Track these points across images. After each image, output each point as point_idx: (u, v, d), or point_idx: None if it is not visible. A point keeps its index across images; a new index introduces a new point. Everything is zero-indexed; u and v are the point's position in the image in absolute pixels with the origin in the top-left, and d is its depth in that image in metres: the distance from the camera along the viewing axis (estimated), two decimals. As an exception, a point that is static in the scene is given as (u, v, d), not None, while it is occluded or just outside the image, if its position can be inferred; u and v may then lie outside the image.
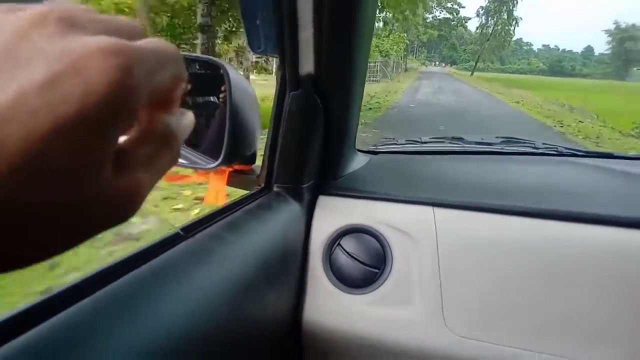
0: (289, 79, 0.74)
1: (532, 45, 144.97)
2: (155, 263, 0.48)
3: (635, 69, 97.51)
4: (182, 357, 0.43)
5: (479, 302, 0.72)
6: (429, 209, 0.78)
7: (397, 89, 17.56)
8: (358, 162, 0.99)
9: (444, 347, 0.72)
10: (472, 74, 50.87)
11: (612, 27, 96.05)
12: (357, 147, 1.02)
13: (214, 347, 0.48)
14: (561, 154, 1.10)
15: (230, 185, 0.81)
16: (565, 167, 1.02)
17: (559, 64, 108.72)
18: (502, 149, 1.14)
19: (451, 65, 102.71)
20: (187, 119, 0.23)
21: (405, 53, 43.44)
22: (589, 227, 0.71)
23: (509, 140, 1.20)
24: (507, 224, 0.74)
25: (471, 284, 0.73)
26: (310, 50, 0.71)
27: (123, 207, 0.19)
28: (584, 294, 0.68)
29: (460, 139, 1.21)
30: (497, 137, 1.21)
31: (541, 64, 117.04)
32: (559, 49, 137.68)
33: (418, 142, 1.22)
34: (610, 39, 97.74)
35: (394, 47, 36.48)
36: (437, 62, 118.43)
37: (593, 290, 0.68)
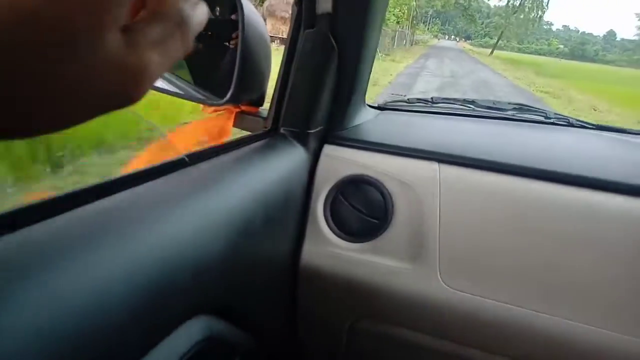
0: (305, 16, 0.76)
1: (552, 24, 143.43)
2: (154, 185, 0.50)
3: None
4: (169, 287, 0.43)
5: (475, 258, 0.77)
6: (434, 164, 0.83)
7: (383, 77, 11.05)
8: (366, 115, 1.03)
9: (436, 298, 0.78)
10: (492, 52, 46.70)
11: None
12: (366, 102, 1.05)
13: (205, 279, 0.50)
14: (572, 125, 1.15)
15: (237, 127, 0.84)
16: (576, 135, 1.07)
17: (581, 47, 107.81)
18: (513, 115, 1.18)
19: (465, 40, 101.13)
20: (200, 10, 0.24)
21: (412, 21, 37.65)
22: (594, 192, 0.75)
23: (521, 108, 1.24)
24: (510, 184, 0.79)
25: (469, 240, 0.78)
26: None
27: (130, 84, 0.20)
28: (585, 258, 0.73)
29: (473, 102, 1.25)
30: (509, 103, 1.25)
31: (561, 46, 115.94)
32: (578, 31, 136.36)
33: (429, 102, 1.26)
34: None
35: (396, 10, 30.41)
36: (451, 36, 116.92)
37: (594, 255, 0.73)
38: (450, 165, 0.82)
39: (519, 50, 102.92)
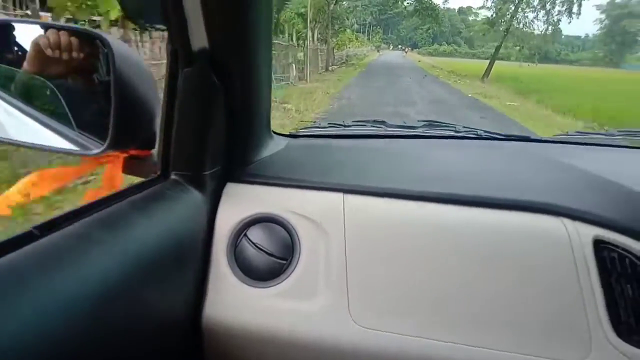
0: (181, 53, 0.84)
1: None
2: None
3: (628, 54, 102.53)
4: None
5: (385, 292, 0.88)
6: (338, 195, 0.94)
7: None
8: (274, 146, 1.15)
9: (349, 339, 0.87)
10: (486, 75, 30.24)
11: (604, 1, 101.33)
12: (274, 131, 1.18)
13: None
14: (480, 138, 1.37)
15: (127, 173, 0.91)
16: (484, 149, 1.27)
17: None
18: (423, 132, 1.39)
19: (412, 49, 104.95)
20: None
21: (328, 30, 28.84)
22: (498, 212, 0.90)
23: (430, 124, 1.46)
24: (414, 210, 0.92)
25: (378, 273, 0.88)
26: (200, 20, 0.79)
27: None
28: (496, 281, 0.86)
29: (383, 123, 1.46)
30: (419, 121, 1.48)
31: (517, 48, 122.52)
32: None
33: (340, 125, 1.44)
34: (603, 16, 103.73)
35: (299, 26, 24.14)
36: (397, 45, 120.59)
37: (505, 278, 0.86)
38: (354, 195, 0.94)
39: (473, 56, 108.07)
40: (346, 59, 40.83)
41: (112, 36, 0.83)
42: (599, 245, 0.85)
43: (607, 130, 1.60)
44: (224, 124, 0.92)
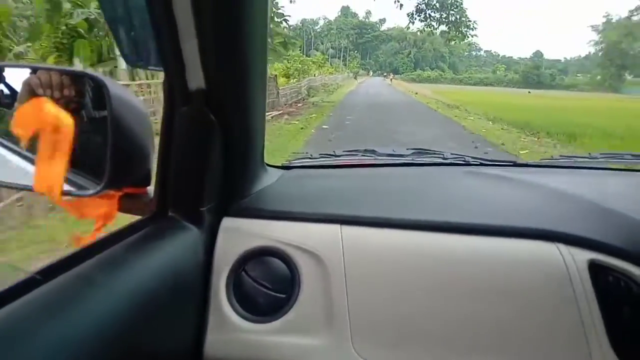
0: (177, 93, 0.93)
1: (481, 49, 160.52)
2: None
3: (629, 77, 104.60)
4: None
5: (387, 324, 0.97)
6: (336, 227, 1.05)
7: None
8: (268, 178, 1.27)
9: None
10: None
11: (601, 21, 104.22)
12: (267, 163, 1.29)
13: None
14: (468, 164, 1.56)
15: (123, 212, 1.00)
16: (470, 178, 1.43)
17: (535, 72, 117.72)
18: (413, 160, 1.58)
19: (394, 75, 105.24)
20: None
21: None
22: (493, 239, 1.02)
23: (419, 152, 1.66)
24: (410, 239, 1.03)
25: (379, 305, 0.98)
26: (197, 60, 0.87)
27: None
28: (496, 309, 0.96)
29: (373, 152, 1.65)
30: (407, 149, 1.68)
31: (511, 73, 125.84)
32: (499, 55, 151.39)
33: (332, 155, 1.61)
34: (599, 37, 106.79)
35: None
36: (376, 71, 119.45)
37: (505, 305, 0.96)
38: (351, 226, 1.05)
39: (459, 82, 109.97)
40: (307, 94, 26.85)
41: (108, 77, 0.92)
42: (595, 269, 0.96)
43: (591, 154, 1.77)
44: (220, 160, 1.02)
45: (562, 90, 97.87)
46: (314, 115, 18.21)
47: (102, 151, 0.89)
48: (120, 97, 0.88)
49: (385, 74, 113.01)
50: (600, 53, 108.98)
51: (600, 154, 1.77)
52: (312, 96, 27.43)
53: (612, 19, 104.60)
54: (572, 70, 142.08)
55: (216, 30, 0.85)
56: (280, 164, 1.50)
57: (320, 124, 15.47)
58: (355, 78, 79.99)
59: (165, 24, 0.83)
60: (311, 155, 1.67)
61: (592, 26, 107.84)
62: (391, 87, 55.58)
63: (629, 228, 1.01)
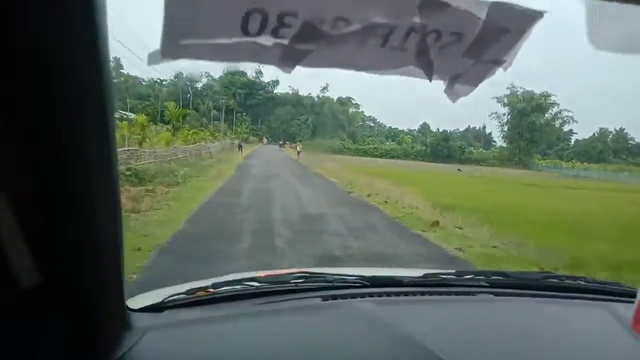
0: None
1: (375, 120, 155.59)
2: None
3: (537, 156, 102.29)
4: None
5: None
6: None
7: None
8: (132, 335, 1.17)
9: None
10: None
11: (505, 93, 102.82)
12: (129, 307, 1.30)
13: None
14: (352, 286, 1.73)
15: None
16: (345, 307, 1.59)
17: (445, 145, 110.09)
18: (296, 285, 1.71)
19: (292, 143, 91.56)
20: None
21: None
22: None
23: (303, 276, 1.76)
24: None
25: None
26: None
27: None
28: None
29: (254, 279, 1.71)
30: (290, 274, 1.80)
31: (418, 145, 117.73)
32: (386, 126, 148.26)
33: (210, 288, 1.63)
34: (506, 110, 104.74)
35: None
36: (268, 138, 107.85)
37: None
38: None
39: (364, 153, 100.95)
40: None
41: None
42: None
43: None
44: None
45: (474, 164, 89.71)
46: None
47: None
48: None
49: (281, 142, 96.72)
50: (506, 126, 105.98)
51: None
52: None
53: (517, 91, 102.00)
54: (476, 143, 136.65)
55: None
56: (149, 304, 1.46)
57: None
58: (239, 150, 54.86)
59: None
60: (187, 290, 1.62)
61: (497, 98, 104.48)
62: (297, 164, 41.85)
63: None
